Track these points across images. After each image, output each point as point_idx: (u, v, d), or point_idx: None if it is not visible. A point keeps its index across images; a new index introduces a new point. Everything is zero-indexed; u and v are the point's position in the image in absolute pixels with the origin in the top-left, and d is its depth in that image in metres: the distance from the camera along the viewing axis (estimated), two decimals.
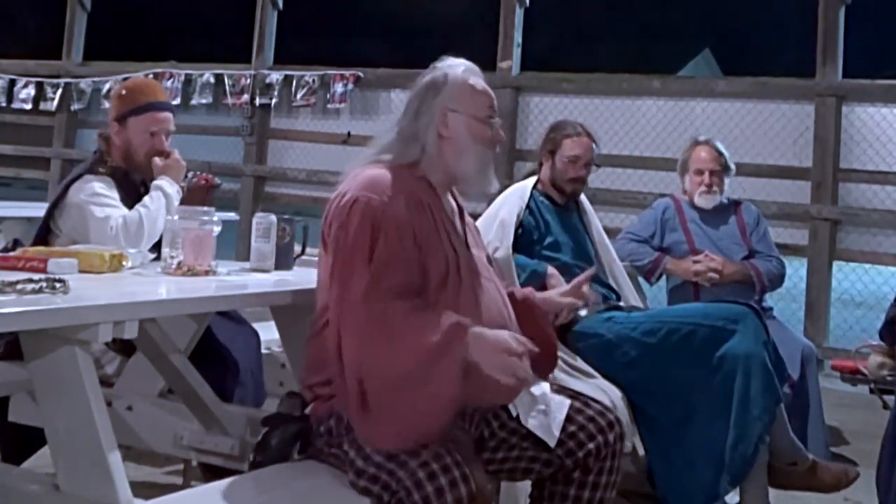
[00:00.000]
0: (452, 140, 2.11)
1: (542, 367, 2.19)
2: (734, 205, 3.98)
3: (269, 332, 2.97)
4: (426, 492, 1.79)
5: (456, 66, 2.18)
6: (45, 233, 2.80)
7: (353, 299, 1.91)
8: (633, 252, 3.80)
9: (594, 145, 3.35)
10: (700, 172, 3.87)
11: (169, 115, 2.96)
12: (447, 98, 2.13)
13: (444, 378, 1.85)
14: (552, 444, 2.10)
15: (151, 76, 7.74)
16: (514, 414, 2.13)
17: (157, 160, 2.87)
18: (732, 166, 3.96)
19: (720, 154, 3.90)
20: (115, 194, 2.81)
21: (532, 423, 2.11)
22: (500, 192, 3.37)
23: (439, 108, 2.12)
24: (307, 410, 2.06)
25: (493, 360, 1.87)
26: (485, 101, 2.15)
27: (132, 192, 2.87)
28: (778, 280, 3.85)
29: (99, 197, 2.76)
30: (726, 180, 3.91)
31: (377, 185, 2.01)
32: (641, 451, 2.97)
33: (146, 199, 2.80)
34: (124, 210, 2.76)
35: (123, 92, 2.99)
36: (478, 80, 2.18)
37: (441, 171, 2.12)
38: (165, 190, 2.81)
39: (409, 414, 1.85)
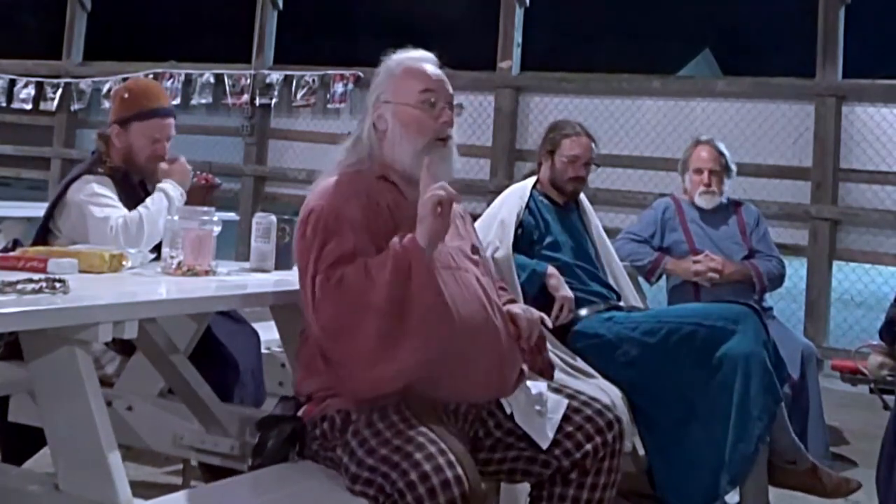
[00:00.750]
0: (386, 132, 2.11)
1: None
2: (734, 205, 3.98)
3: (269, 332, 2.97)
4: (419, 493, 1.78)
5: (394, 57, 2.17)
6: (44, 233, 2.80)
7: (310, 301, 1.96)
8: (633, 252, 3.79)
9: (593, 145, 3.35)
10: (699, 171, 3.87)
11: (172, 121, 2.95)
12: (379, 90, 2.14)
13: (424, 297, 1.90)
14: (544, 446, 2.09)
15: (151, 76, 7.74)
16: (509, 412, 2.12)
17: (164, 165, 2.87)
18: (733, 167, 3.96)
19: (721, 154, 3.90)
20: (113, 194, 2.81)
21: (526, 424, 2.10)
22: (500, 192, 3.38)
23: (373, 102, 2.13)
24: (300, 412, 2.07)
25: (427, 215, 1.92)
26: (415, 86, 2.10)
27: (131, 192, 2.87)
28: (778, 280, 3.85)
29: (98, 197, 2.76)
30: (727, 181, 3.92)
31: (330, 192, 2.05)
32: (641, 451, 2.97)
33: (148, 200, 2.79)
34: (124, 210, 2.75)
35: (126, 95, 2.95)
36: (413, 64, 2.14)
37: (388, 166, 2.12)
38: (168, 192, 2.80)
39: (423, 337, 1.90)
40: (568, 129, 3.38)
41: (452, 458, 1.84)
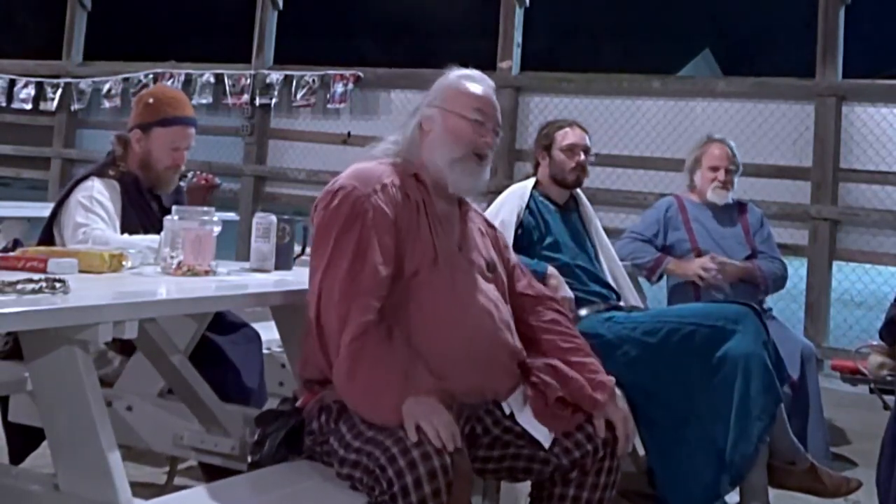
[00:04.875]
0: (430, 133, 2.18)
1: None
2: (738, 205, 3.99)
3: (269, 332, 2.97)
4: (399, 466, 1.78)
5: (456, 70, 2.26)
6: (49, 233, 2.79)
7: (333, 295, 1.96)
8: (634, 251, 3.79)
9: (586, 135, 3.37)
10: (715, 169, 3.89)
11: (193, 130, 2.94)
12: (434, 96, 2.22)
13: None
14: (546, 444, 2.09)
15: (151, 76, 7.75)
16: (508, 412, 2.12)
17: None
18: (741, 168, 4.01)
19: (733, 154, 3.94)
20: (115, 200, 2.78)
21: (527, 423, 2.11)
22: (500, 192, 3.38)
23: (426, 104, 2.21)
24: (298, 403, 2.09)
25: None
26: (469, 102, 2.18)
27: (138, 198, 2.85)
28: (780, 281, 3.86)
29: (93, 202, 2.74)
30: (735, 180, 3.95)
31: (365, 176, 2.09)
32: (641, 451, 2.97)
33: (135, 237, 2.67)
34: (103, 226, 2.71)
35: (151, 100, 2.92)
36: (472, 83, 2.22)
37: (423, 166, 2.17)
38: (151, 247, 2.56)
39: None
40: (559, 122, 3.43)
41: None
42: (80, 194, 2.75)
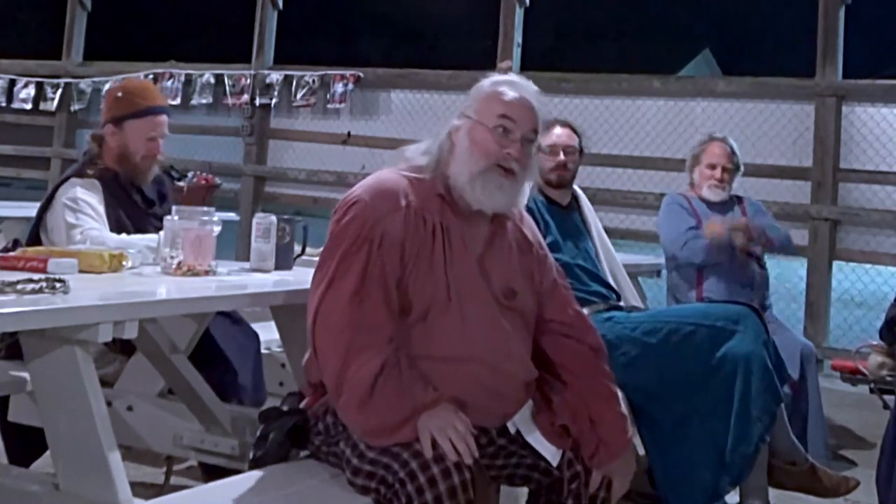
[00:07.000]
0: (456, 146, 2.05)
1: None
2: (737, 199, 4.01)
3: (269, 332, 2.97)
4: (419, 482, 1.78)
5: (493, 78, 2.11)
6: (35, 234, 2.80)
7: (331, 321, 1.90)
8: (704, 249, 3.76)
9: (571, 132, 3.31)
10: (713, 167, 3.91)
11: (166, 118, 2.95)
12: (467, 104, 2.09)
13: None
14: (555, 463, 2.06)
15: (151, 76, 7.75)
16: (513, 431, 2.08)
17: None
18: (742, 167, 4.01)
19: (734, 153, 3.94)
20: (97, 200, 2.79)
21: (535, 440, 2.07)
22: None
23: (459, 114, 2.09)
24: (303, 404, 2.08)
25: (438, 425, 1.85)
26: (496, 109, 2.03)
27: (121, 194, 2.86)
28: (787, 241, 3.92)
29: (79, 202, 2.74)
30: (735, 179, 3.95)
31: (384, 192, 1.99)
32: (641, 451, 2.97)
33: (135, 236, 2.68)
34: (95, 224, 2.71)
35: (120, 94, 2.95)
36: (504, 87, 2.06)
37: (447, 180, 2.05)
38: (150, 246, 2.58)
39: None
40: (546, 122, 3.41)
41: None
42: (63, 197, 2.76)
